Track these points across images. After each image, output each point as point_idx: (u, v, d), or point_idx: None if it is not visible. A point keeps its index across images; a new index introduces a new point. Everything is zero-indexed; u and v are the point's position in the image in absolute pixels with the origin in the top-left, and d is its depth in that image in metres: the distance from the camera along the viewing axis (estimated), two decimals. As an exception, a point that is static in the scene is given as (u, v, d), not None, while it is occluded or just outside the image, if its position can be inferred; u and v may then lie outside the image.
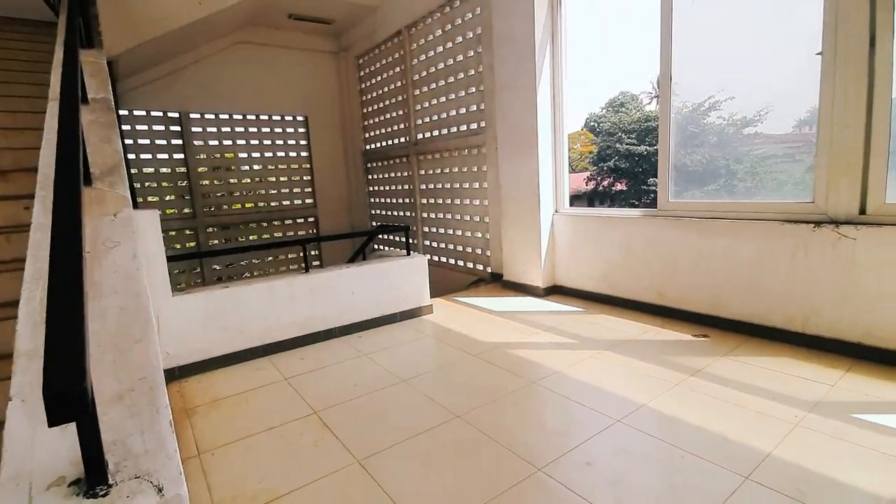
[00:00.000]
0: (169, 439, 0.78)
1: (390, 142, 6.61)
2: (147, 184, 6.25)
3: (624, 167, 25.82)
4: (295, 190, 7.45)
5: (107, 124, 1.79)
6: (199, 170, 6.57)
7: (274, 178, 7.23)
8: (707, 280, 3.20)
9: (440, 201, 5.71)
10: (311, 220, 7.59)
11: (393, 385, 2.58)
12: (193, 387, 2.70)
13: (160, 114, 6.25)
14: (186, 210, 6.53)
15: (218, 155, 6.72)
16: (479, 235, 5.13)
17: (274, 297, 3.14)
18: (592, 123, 31.03)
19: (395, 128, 6.41)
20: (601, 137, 28.61)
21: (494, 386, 2.49)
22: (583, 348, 2.97)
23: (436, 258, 5.95)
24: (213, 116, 6.61)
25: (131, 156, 6.08)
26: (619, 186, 26.49)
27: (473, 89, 4.90)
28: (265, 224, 7.19)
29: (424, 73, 5.63)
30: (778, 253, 2.83)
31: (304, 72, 7.22)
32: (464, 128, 5.14)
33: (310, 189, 7.53)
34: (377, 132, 6.92)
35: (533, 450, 1.90)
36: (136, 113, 6.10)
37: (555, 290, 4.33)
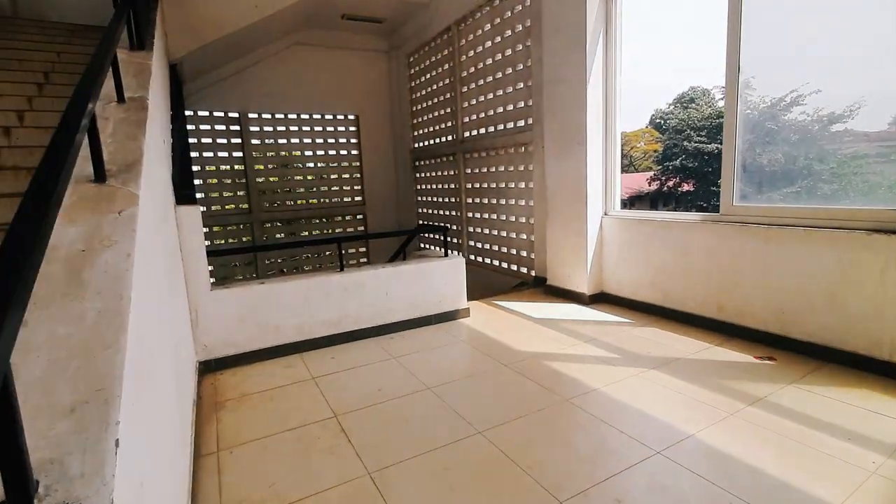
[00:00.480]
0: (109, 462, 0.72)
1: (438, 140, 6.54)
2: (209, 180, 6.60)
3: (692, 167, 24.25)
4: (345, 187, 7.59)
5: (136, 122, 1.82)
6: (256, 167, 6.84)
7: (325, 176, 7.39)
8: (775, 295, 2.84)
9: (485, 201, 5.56)
10: (359, 217, 7.70)
11: (418, 392, 2.49)
12: (227, 380, 2.75)
13: (221, 114, 6.57)
14: (243, 205, 6.82)
15: (272, 153, 6.97)
16: (524, 237, 4.93)
17: (308, 295, 3.15)
18: (658, 120, 29.44)
19: (443, 126, 6.33)
20: (667, 135, 27.06)
21: (524, 401, 2.33)
22: (626, 364, 2.72)
23: (479, 259, 5.82)
24: (269, 116, 6.86)
25: (194, 154, 6.44)
26: (686, 187, 24.91)
27: (521, 85, 4.70)
28: (315, 220, 7.38)
29: (472, 70, 5.50)
30: (864, 267, 2.44)
31: (357, 72, 7.32)
32: (511, 125, 4.95)
33: (359, 187, 7.64)
34: (425, 130, 6.87)
35: (557, 478, 1.73)
36: (200, 113, 6.45)
37: (601, 298, 4.05)
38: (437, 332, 3.44)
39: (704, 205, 23.13)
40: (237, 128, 6.68)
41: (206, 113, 6.48)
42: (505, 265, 5.33)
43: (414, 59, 6.94)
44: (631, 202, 26.98)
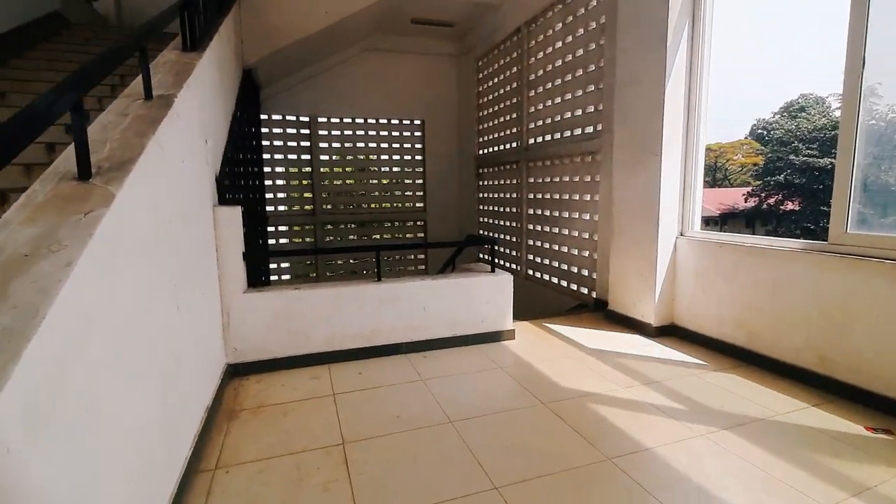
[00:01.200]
0: None
1: (502, 147, 6.25)
2: (278, 181, 6.84)
3: (798, 183, 21.61)
4: (407, 193, 7.54)
5: (152, 119, 1.75)
6: (322, 170, 6.99)
7: (388, 181, 7.39)
8: (902, 351, 2.22)
9: (547, 213, 5.18)
10: (419, 223, 7.60)
11: (438, 425, 2.22)
12: (250, 387, 2.67)
13: (293, 117, 6.80)
14: (308, 207, 7.00)
15: (338, 157, 7.08)
16: (586, 255, 4.48)
17: (341, 304, 3.01)
18: (760, 131, 26.72)
19: (508, 132, 6.03)
20: (770, 147, 24.43)
21: (557, 453, 1.98)
22: (692, 420, 2.26)
23: (537, 274, 5.43)
24: (337, 120, 6.99)
25: (266, 155, 6.71)
26: (790, 206, 22.24)
27: (592, 87, 4.29)
28: (375, 224, 7.39)
29: (541, 72, 5.15)
30: None
31: (424, 77, 7.25)
32: (578, 132, 4.55)
33: (421, 192, 7.55)
34: (490, 137, 6.61)
35: (580, 566, 1.38)
36: (274, 117, 6.71)
37: (670, 331, 3.52)
38: (474, 355, 3.15)
39: (811, 227, 20.50)
40: (307, 131, 6.87)
41: (280, 116, 6.74)
42: (564, 283, 4.90)
43: (482, 64, 6.72)
44: (723, 220, 24.68)
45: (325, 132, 6.95)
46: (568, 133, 4.72)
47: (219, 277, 2.72)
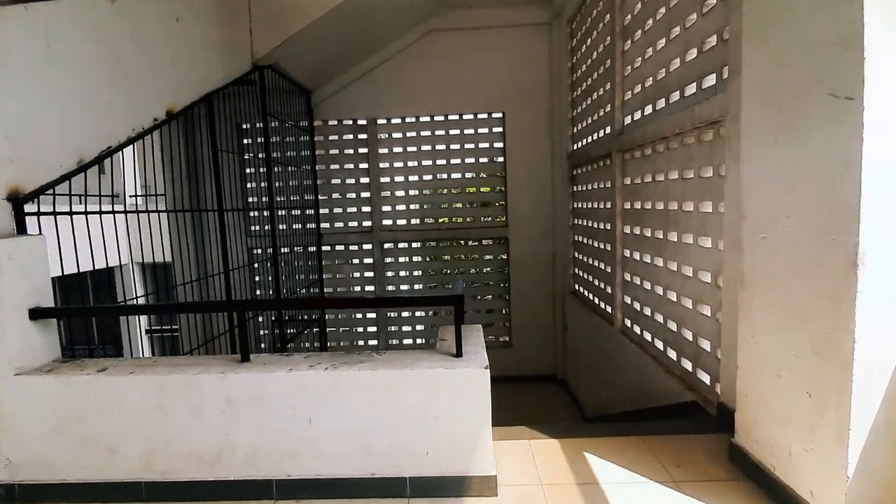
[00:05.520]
0: None
1: (592, 137, 4.35)
2: (333, 195, 6.03)
3: None
4: (484, 203, 6.03)
5: None
6: (382, 179, 5.95)
7: (459, 190, 5.98)
8: None
9: (647, 232, 3.17)
10: (501, 242, 6.00)
11: None
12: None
13: (350, 122, 5.91)
14: (366, 223, 6.02)
15: (400, 164, 5.95)
16: (705, 311, 2.43)
17: (166, 401, 1.75)
18: None
19: (600, 114, 4.12)
20: None
21: None
22: None
23: (635, 329, 3.42)
24: (399, 121, 5.87)
25: (321, 166, 5.94)
26: None
27: (712, 1, 2.28)
28: (444, 243, 6.04)
29: (638, 6, 3.21)
30: None
31: (505, 56, 5.66)
32: (690, 91, 2.54)
33: (502, 203, 5.94)
34: (584, 124, 4.73)
35: None
36: (330, 123, 5.92)
37: (899, 551, 1.37)
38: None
39: None
40: (364, 136, 5.91)
41: (335, 122, 5.91)
42: (671, 353, 2.86)
43: (575, 26, 4.89)
44: None
45: (385, 135, 5.90)
46: (676, 96, 2.72)
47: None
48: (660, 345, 3.01)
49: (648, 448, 2.01)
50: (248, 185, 4.97)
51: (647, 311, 3.19)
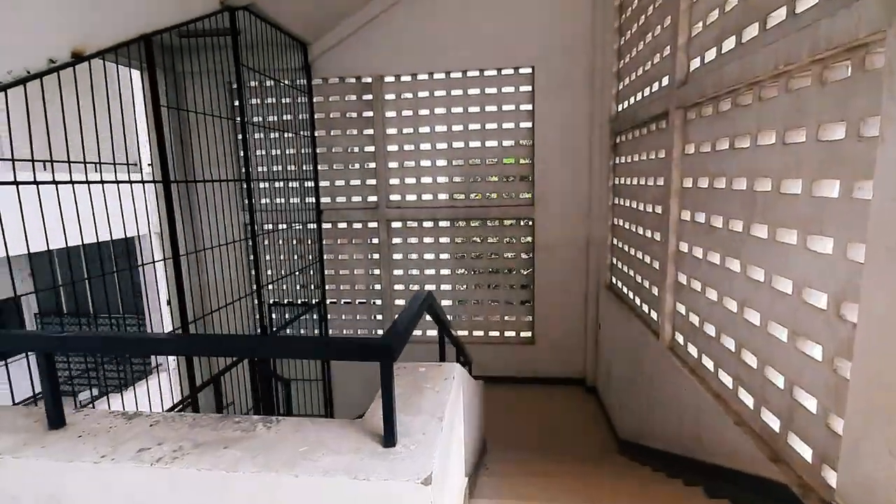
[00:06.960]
0: None
1: (644, 93, 3.37)
2: (335, 165, 5.30)
3: None
4: (506, 178, 5.15)
5: None
6: (389, 148, 5.16)
7: (478, 161, 5.11)
8: None
9: (719, 223, 2.26)
10: (525, 223, 5.13)
11: None
12: None
13: (353, 80, 5.10)
14: (371, 198, 5.28)
15: (409, 129, 5.12)
16: (802, 349, 1.55)
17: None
18: None
19: (654, 61, 3.13)
20: None
21: None
22: None
23: (691, 352, 2.55)
24: (409, 78, 5.01)
25: (321, 132, 5.21)
26: None
27: None
28: (460, 223, 5.23)
29: None
30: None
31: (537, -4, 4.64)
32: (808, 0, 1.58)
33: (528, 177, 5.04)
34: (632, 77, 3.73)
35: None
36: (331, 81, 5.14)
37: None
38: None
39: None
40: (369, 97, 5.10)
41: (336, 79, 5.13)
42: (744, 396, 2.00)
43: (626, -52, 3.83)
44: None
45: (393, 96, 5.07)
46: (781, 13, 1.76)
47: None
48: (727, 380, 2.15)
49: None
50: (245, 154, 4.30)
51: (710, 331, 2.31)
